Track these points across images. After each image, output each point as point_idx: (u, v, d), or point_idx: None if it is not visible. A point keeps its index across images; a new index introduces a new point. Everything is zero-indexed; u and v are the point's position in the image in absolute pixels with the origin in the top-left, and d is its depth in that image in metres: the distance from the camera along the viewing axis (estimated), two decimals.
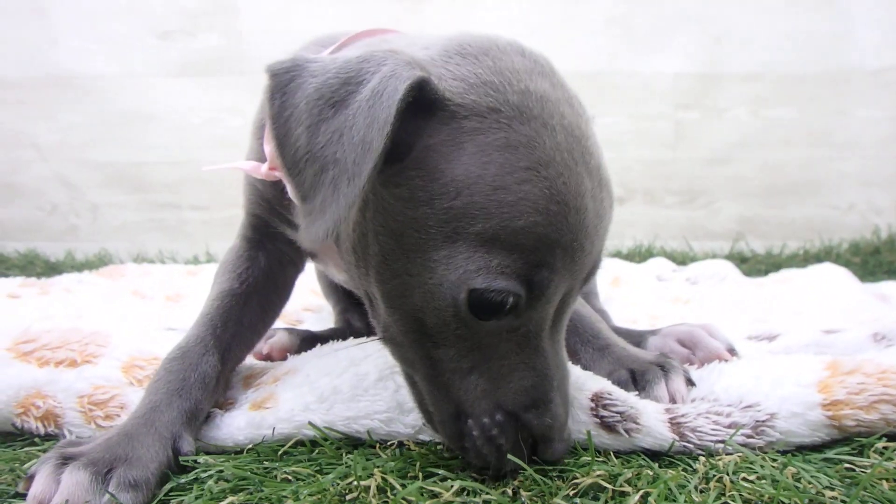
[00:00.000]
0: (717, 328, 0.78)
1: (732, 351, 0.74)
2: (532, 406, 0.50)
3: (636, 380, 0.65)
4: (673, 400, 0.63)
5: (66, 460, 0.51)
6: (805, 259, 1.87)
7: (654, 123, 2.25)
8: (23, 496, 0.50)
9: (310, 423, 0.58)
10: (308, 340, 0.94)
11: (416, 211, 0.49)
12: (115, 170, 2.30)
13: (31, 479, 0.51)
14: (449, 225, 0.49)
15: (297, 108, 0.48)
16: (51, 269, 1.96)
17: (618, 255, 1.99)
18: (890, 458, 0.50)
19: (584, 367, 0.68)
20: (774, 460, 0.51)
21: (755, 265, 1.87)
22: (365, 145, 0.45)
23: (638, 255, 2.00)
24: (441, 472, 0.49)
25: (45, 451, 0.60)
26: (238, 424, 0.60)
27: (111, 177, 2.30)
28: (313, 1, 2.22)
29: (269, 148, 0.67)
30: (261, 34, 2.27)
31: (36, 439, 0.66)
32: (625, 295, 1.28)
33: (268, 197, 0.76)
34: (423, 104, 0.49)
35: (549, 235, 0.49)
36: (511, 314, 0.50)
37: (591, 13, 2.23)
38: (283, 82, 0.49)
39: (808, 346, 0.81)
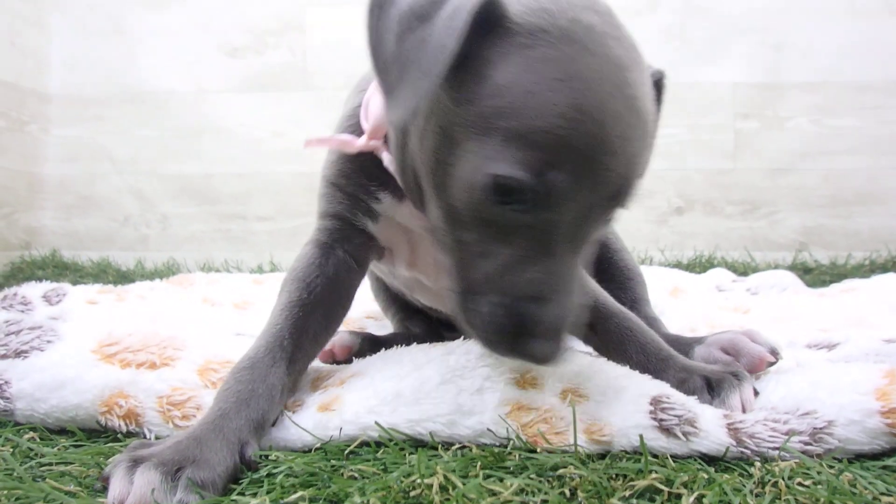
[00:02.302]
0: (760, 332, 0.78)
1: (776, 353, 0.75)
2: (532, 299, 0.56)
3: (712, 387, 0.66)
4: (743, 409, 0.64)
5: (136, 462, 0.54)
6: (871, 269, 1.82)
7: (713, 134, 2.25)
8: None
9: (376, 423, 0.60)
10: (370, 342, 0.98)
11: (463, 109, 0.57)
12: (185, 182, 2.41)
13: (106, 479, 0.54)
14: (485, 121, 0.56)
15: (391, 20, 0.58)
16: (122, 277, 2.04)
17: (678, 265, 1.98)
18: None
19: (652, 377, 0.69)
20: (832, 467, 0.51)
21: (819, 276, 1.83)
22: (442, 49, 0.54)
23: (698, 266, 1.98)
24: (500, 473, 0.51)
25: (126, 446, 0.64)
26: (306, 425, 0.63)
27: (181, 189, 2.41)
28: None
29: (368, 125, 0.76)
30: (325, 52, 2.36)
31: (119, 435, 0.70)
32: (684, 305, 1.28)
33: (356, 179, 0.80)
34: (490, 22, 0.57)
35: (568, 140, 0.54)
36: (528, 206, 0.56)
37: (648, 24, 2.24)
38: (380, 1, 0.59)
39: (867, 355, 0.80)
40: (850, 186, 2.21)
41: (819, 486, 0.46)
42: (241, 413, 0.62)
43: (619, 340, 0.75)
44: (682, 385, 0.67)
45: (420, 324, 1.11)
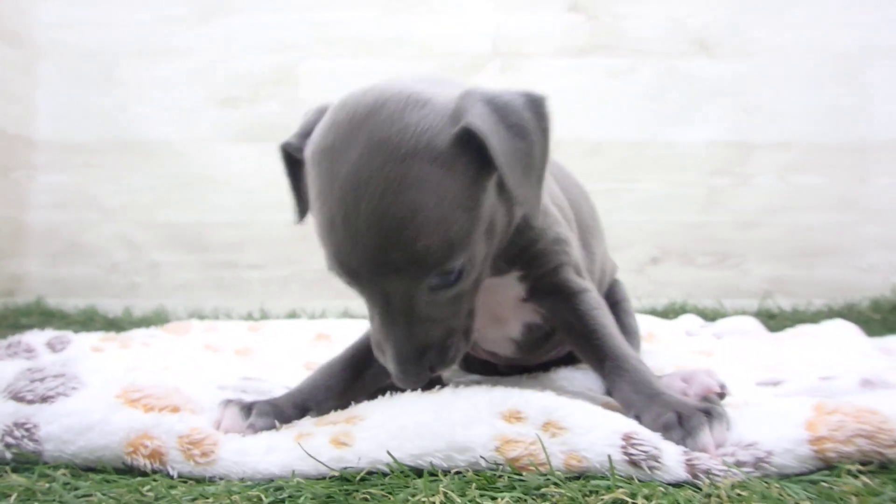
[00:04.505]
0: (715, 372, 0.87)
1: (724, 387, 0.83)
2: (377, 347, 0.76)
3: (682, 423, 0.70)
4: (718, 445, 0.69)
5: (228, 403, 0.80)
6: (829, 315, 1.93)
7: (688, 189, 2.38)
8: None
9: (388, 453, 0.68)
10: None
11: None
12: (176, 230, 2.42)
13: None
14: None
15: None
16: (109, 324, 2.04)
17: (653, 312, 2.07)
18: (856, 477, 0.61)
19: (637, 412, 0.75)
20: (767, 483, 0.60)
21: (782, 321, 1.94)
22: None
23: (672, 313, 2.08)
24: (492, 492, 0.60)
25: (155, 480, 0.70)
26: (323, 458, 0.70)
27: (172, 237, 2.42)
28: (368, 71, 2.39)
29: None
30: (317, 102, 2.41)
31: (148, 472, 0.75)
32: (656, 349, 1.38)
33: None
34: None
35: (320, 232, 0.71)
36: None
37: (629, 87, 2.40)
38: None
39: (806, 391, 0.91)
40: (812, 240, 2.36)
41: (754, 495, 0.55)
42: (307, 391, 0.85)
43: (618, 378, 0.81)
44: (658, 419, 0.72)
45: None
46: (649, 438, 0.69)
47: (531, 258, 0.86)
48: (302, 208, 0.85)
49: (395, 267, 0.67)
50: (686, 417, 0.70)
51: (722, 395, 0.83)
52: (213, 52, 2.44)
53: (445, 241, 0.67)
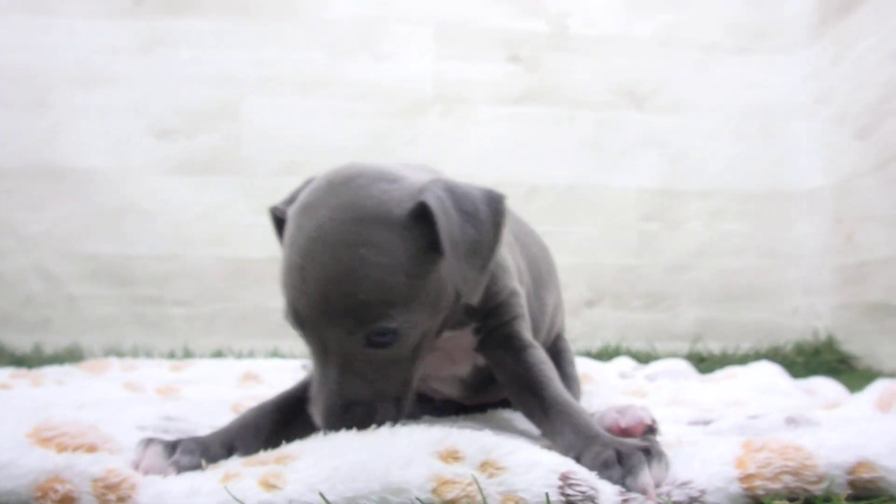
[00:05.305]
0: (650, 410, 0.89)
1: (655, 422, 0.85)
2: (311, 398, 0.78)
3: (621, 461, 0.70)
4: (657, 484, 0.69)
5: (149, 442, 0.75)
6: (756, 358, 2.01)
7: (621, 233, 2.46)
8: None
9: (320, 495, 0.65)
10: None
11: None
12: (99, 263, 2.29)
13: None
14: None
15: None
16: (17, 361, 1.92)
17: (588, 354, 2.10)
18: None
19: (577, 453, 0.74)
20: None
21: (712, 364, 2.01)
22: None
23: (606, 355, 2.11)
24: None
25: None
26: (248, 500, 0.66)
27: (93, 269, 2.29)
28: (312, 110, 2.40)
29: None
30: (259, 138, 2.38)
31: None
32: (590, 390, 1.39)
33: None
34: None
35: (281, 284, 0.77)
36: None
37: (568, 136, 2.48)
38: None
39: (734, 429, 0.93)
40: (739, 284, 2.46)
41: None
42: (234, 431, 0.82)
43: (559, 423, 0.82)
44: (598, 457, 0.72)
45: None
46: (586, 478, 0.68)
47: (489, 311, 0.89)
48: None
49: (336, 316, 0.73)
50: (626, 456, 0.71)
51: (653, 430, 0.84)
52: (152, 84, 2.38)
53: (384, 299, 0.73)
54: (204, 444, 0.78)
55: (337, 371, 0.75)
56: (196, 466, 0.75)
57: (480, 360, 0.94)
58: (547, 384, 0.86)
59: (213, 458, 0.77)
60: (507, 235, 0.96)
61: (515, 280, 0.94)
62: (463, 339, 0.91)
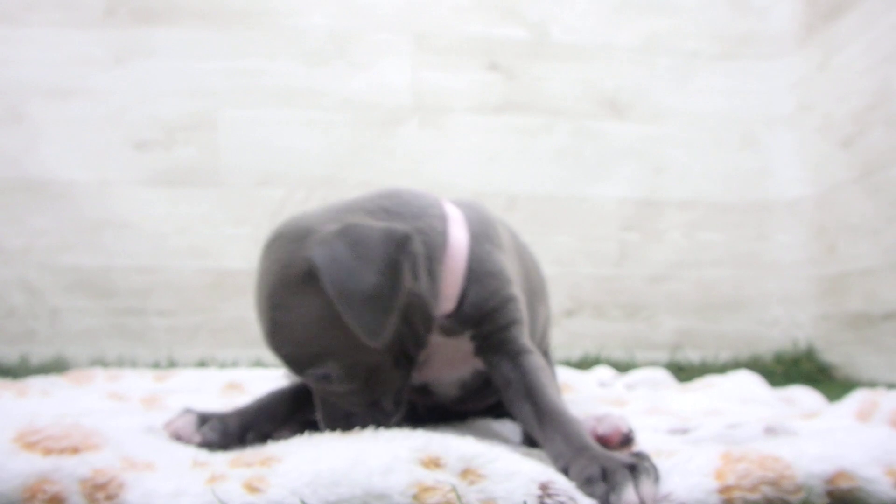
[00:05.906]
0: (628, 419, 0.92)
1: (631, 432, 0.87)
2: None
3: (606, 478, 0.70)
4: (644, 502, 0.68)
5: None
6: (735, 367, 2.03)
7: (601, 244, 2.48)
8: None
9: (301, 502, 0.66)
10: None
11: None
12: (81, 275, 2.29)
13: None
14: None
15: None
16: (4, 372, 1.91)
17: (567, 363, 2.11)
18: None
19: (565, 464, 0.75)
20: None
21: (691, 373, 2.03)
22: None
23: (585, 364, 2.12)
24: None
25: None
26: (232, 503, 0.67)
27: (75, 282, 2.28)
28: (289, 121, 2.40)
29: None
30: (236, 150, 2.37)
31: None
32: (571, 398, 1.40)
33: None
34: None
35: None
36: None
37: (546, 146, 2.49)
38: None
39: (713, 438, 0.94)
40: (718, 293, 2.49)
41: None
42: (252, 413, 0.92)
43: (551, 431, 0.82)
44: (583, 472, 0.72)
45: None
46: (566, 489, 0.69)
47: (482, 317, 0.90)
48: None
49: (284, 360, 0.83)
50: (611, 472, 0.70)
51: (629, 440, 0.86)
52: (128, 95, 2.36)
53: (305, 351, 0.81)
54: (225, 423, 0.89)
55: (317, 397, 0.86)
56: (217, 444, 0.86)
57: (480, 364, 0.95)
58: (543, 391, 0.86)
59: (229, 436, 0.88)
60: (509, 243, 1.00)
61: (514, 286, 0.94)
62: (461, 345, 0.92)
